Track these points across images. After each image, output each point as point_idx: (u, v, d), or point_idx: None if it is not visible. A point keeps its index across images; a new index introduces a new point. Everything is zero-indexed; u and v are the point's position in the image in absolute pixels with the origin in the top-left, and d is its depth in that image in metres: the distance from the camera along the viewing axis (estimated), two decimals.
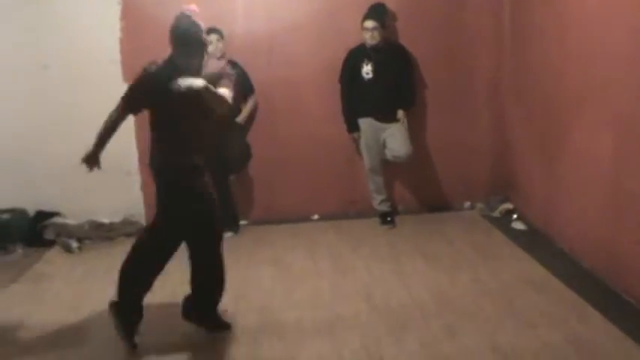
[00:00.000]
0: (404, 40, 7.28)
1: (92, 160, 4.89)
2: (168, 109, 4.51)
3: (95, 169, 4.89)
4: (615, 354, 4.27)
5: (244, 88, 7.09)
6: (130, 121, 7.26)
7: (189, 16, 4.53)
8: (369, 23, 6.92)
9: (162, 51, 7.20)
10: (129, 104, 4.75)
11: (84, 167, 4.81)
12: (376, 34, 6.92)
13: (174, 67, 4.51)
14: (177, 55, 4.56)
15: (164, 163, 4.67)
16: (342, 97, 7.21)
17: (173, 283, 5.42)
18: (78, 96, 7.16)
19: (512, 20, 7.18)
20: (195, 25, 4.52)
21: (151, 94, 4.58)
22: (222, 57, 6.71)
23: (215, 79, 4.48)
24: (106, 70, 7.17)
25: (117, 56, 7.17)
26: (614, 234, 5.10)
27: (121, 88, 7.13)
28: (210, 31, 6.88)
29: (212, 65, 4.69)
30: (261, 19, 7.26)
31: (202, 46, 4.58)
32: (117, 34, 7.14)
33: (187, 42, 4.51)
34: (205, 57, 4.63)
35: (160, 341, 4.76)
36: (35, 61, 7.11)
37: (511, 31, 7.21)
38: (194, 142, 4.65)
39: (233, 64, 6.98)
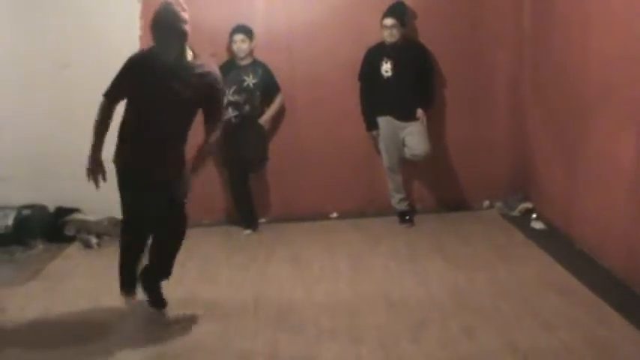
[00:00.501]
0: (423, 38, 7.27)
1: (97, 166, 4.83)
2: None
3: (101, 180, 4.83)
4: (635, 356, 4.23)
5: (268, 88, 7.10)
6: None
7: (169, 5, 4.56)
8: (388, 21, 6.92)
9: None
10: (112, 92, 4.89)
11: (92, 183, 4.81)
12: (395, 32, 6.91)
13: (154, 54, 4.63)
14: (156, 42, 4.61)
15: None
16: (361, 95, 7.22)
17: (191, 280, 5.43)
18: (98, 94, 7.14)
19: (532, 17, 7.14)
20: (174, 14, 4.54)
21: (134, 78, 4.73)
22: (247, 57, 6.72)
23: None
24: None
25: None
26: (635, 234, 5.07)
27: None
28: (236, 30, 6.90)
29: (206, 61, 4.70)
30: (281, 17, 7.26)
31: (180, 35, 4.58)
32: (137, 32, 7.15)
33: (164, 30, 4.54)
34: (186, 46, 4.66)
35: (176, 337, 4.77)
36: (56, 59, 7.13)
37: (531, 29, 7.17)
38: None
39: (259, 65, 7.00)
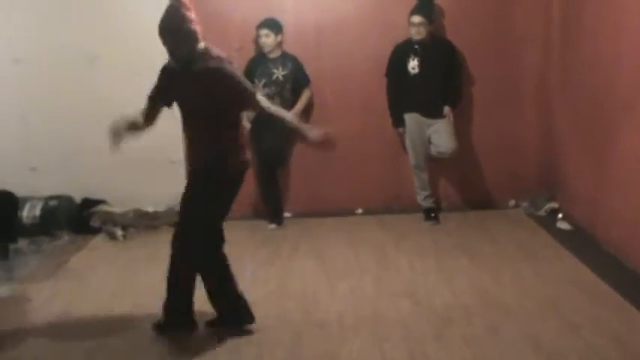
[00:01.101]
0: (451, 36, 7.25)
1: (118, 134, 4.82)
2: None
3: (115, 148, 4.79)
4: None
5: (298, 80, 7.10)
6: (175, 110, 7.36)
7: (172, 7, 4.55)
8: (416, 18, 6.90)
9: (209, 41, 7.24)
10: (151, 94, 4.88)
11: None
12: (422, 29, 6.90)
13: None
14: (166, 47, 4.60)
15: None
16: (388, 91, 7.21)
17: None
18: (124, 87, 7.21)
19: (561, 17, 7.09)
20: (179, 15, 4.51)
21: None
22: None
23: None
24: (152, 62, 7.20)
25: (163, 47, 7.19)
26: None
27: None
28: (261, 25, 6.91)
29: (216, 56, 4.60)
30: (309, 12, 7.27)
31: (187, 36, 4.51)
32: None
33: (171, 34, 4.53)
34: (197, 47, 4.56)
35: (199, 330, 4.78)
36: (83, 53, 7.18)
37: (560, 29, 7.12)
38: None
39: (289, 57, 7.01)
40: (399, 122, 7.20)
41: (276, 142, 7.02)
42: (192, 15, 4.54)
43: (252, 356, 4.40)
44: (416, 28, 6.92)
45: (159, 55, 7.14)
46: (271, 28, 6.91)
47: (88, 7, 7.18)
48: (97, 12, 7.18)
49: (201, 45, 4.55)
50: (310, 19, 7.27)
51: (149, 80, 7.17)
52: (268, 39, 6.91)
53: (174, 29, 4.51)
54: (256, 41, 7.08)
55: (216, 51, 4.61)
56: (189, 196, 4.70)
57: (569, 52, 6.90)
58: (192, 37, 4.52)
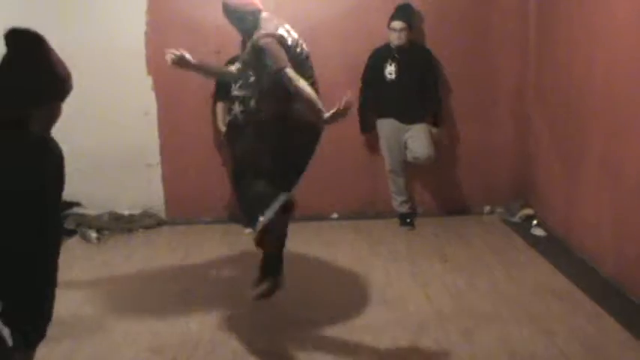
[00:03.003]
0: (428, 43, 7.28)
1: (183, 61, 5.22)
2: None
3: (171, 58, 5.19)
4: None
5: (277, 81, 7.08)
6: (153, 114, 7.36)
7: None
8: (397, 24, 6.91)
9: (186, 45, 7.21)
10: None
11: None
12: (403, 35, 6.91)
13: None
14: (234, 26, 4.91)
15: None
16: (360, 95, 7.20)
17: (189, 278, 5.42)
18: (101, 88, 7.19)
19: (537, 24, 7.14)
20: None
21: None
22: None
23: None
24: (130, 64, 7.19)
25: (142, 50, 7.19)
26: (636, 243, 5.06)
27: (145, 82, 7.25)
28: None
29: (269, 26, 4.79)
30: (288, 18, 7.24)
31: (244, 15, 4.80)
32: (142, 27, 7.16)
33: (229, 17, 4.85)
34: (257, 22, 4.81)
35: (174, 331, 4.77)
36: (59, 52, 7.11)
37: (537, 36, 7.17)
38: None
39: None
40: (366, 127, 7.22)
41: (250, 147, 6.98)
42: None
43: (228, 359, 4.41)
44: (397, 33, 6.92)
45: (134, 58, 7.21)
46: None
47: (66, 9, 7.13)
48: (75, 15, 7.15)
49: (258, 18, 4.83)
50: (289, 24, 7.25)
51: (124, 79, 7.22)
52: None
53: (230, 11, 4.83)
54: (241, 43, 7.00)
55: (271, 25, 4.79)
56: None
57: (544, 60, 6.95)
58: (248, 15, 4.81)
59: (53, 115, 2.60)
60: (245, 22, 4.83)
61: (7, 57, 2.57)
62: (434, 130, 7.13)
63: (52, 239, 2.62)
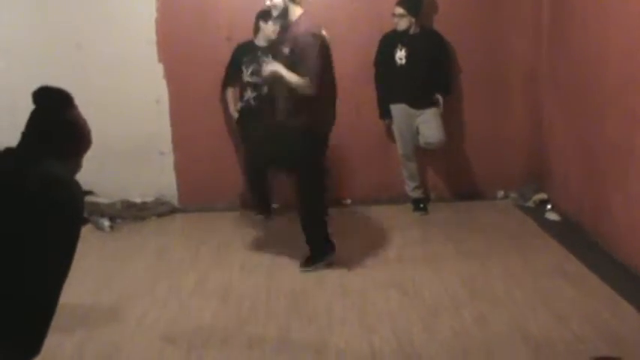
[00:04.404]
0: (440, 28, 7.22)
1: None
2: None
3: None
4: None
5: None
6: (165, 101, 7.34)
7: None
8: (396, 10, 6.92)
9: (197, 31, 7.24)
10: None
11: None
12: (404, 21, 6.89)
13: None
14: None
15: None
16: (376, 81, 7.18)
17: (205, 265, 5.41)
18: (112, 75, 7.18)
19: (550, 9, 7.09)
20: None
21: None
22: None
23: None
24: (141, 51, 7.18)
25: (153, 37, 7.17)
26: None
27: (156, 69, 7.24)
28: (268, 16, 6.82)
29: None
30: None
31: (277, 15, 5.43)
32: (153, 14, 7.14)
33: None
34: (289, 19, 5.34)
35: (188, 321, 4.77)
36: (69, 40, 7.12)
37: (550, 20, 7.12)
38: None
39: None
40: (385, 114, 7.18)
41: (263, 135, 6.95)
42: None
43: (242, 346, 4.39)
44: (397, 19, 6.92)
45: (146, 45, 7.19)
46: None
47: None
48: (85, 1, 7.13)
49: (292, 18, 5.32)
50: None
51: (136, 66, 7.21)
52: (277, 27, 6.81)
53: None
54: (255, 30, 6.93)
55: (303, 25, 5.25)
56: None
57: (558, 44, 6.90)
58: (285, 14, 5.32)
59: (75, 168, 2.78)
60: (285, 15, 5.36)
61: (34, 113, 2.72)
62: (438, 96, 7.08)
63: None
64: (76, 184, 2.60)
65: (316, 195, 5.61)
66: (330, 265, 5.68)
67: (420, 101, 7.02)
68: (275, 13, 5.44)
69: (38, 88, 2.74)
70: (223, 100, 7.15)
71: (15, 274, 2.40)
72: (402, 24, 6.91)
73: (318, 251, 5.69)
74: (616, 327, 4.44)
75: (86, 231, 6.86)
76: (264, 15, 6.76)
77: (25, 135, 2.66)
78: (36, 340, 2.53)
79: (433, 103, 7.03)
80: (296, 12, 5.31)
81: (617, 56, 5.52)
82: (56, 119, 2.70)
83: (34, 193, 2.44)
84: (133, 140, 7.25)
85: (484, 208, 7.33)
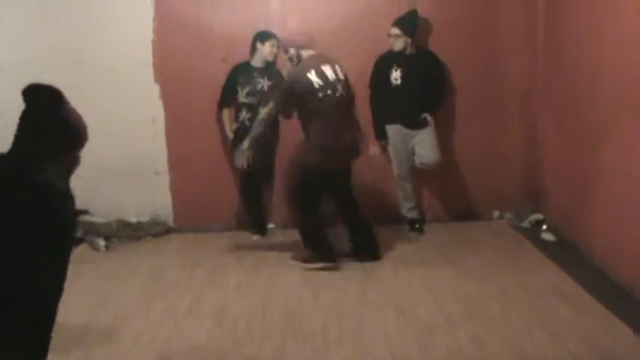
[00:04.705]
0: (435, 48, 7.25)
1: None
2: None
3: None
4: None
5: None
6: (160, 121, 7.36)
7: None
8: (392, 30, 6.95)
9: (193, 52, 7.27)
10: None
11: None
12: (400, 41, 6.92)
13: None
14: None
15: None
16: (372, 103, 7.19)
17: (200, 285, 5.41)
18: (109, 96, 7.20)
19: (545, 29, 7.13)
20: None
21: None
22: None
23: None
24: (138, 71, 7.20)
25: (149, 57, 7.20)
26: None
27: (152, 89, 7.26)
28: (269, 36, 6.85)
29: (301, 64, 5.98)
30: (295, 24, 7.23)
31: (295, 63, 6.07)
32: (149, 35, 7.16)
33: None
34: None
35: (184, 341, 4.76)
36: (66, 59, 7.12)
37: (545, 40, 7.15)
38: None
39: (273, 68, 6.97)
40: (382, 135, 7.18)
41: (259, 155, 6.95)
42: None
43: None
44: (393, 39, 6.95)
45: (142, 65, 7.21)
46: (277, 39, 6.83)
47: (75, 15, 7.12)
48: (83, 20, 7.14)
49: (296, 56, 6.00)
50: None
51: (132, 87, 7.23)
52: (275, 49, 6.85)
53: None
54: (251, 52, 6.94)
55: (303, 64, 5.94)
56: None
57: (552, 64, 6.93)
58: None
59: (72, 164, 2.75)
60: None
61: (26, 112, 2.69)
62: (427, 115, 7.06)
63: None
64: (67, 192, 2.61)
65: (299, 206, 6.19)
66: (328, 269, 6.09)
67: (416, 121, 7.03)
68: (294, 62, 5.93)
69: (27, 86, 2.72)
70: (220, 121, 7.17)
71: (10, 280, 2.40)
72: (398, 44, 6.94)
73: (314, 253, 6.25)
74: (611, 347, 4.43)
75: (82, 250, 6.87)
76: (262, 36, 6.81)
77: (18, 136, 2.64)
78: (37, 347, 2.53)
79: (428, 124, 7.03)
80: (304, 55, 5.92)
81: (611, 76, 5.54)
82: (48, 117, 2.68)
83: (27, 201, 2.44)
84: (128, 160, 7.26)
85: (480, 229, 7.32)
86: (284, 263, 6.34)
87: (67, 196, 2.59)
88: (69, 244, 2.62)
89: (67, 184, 2.70)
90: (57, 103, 2.74)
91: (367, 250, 6.36)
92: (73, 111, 2.79)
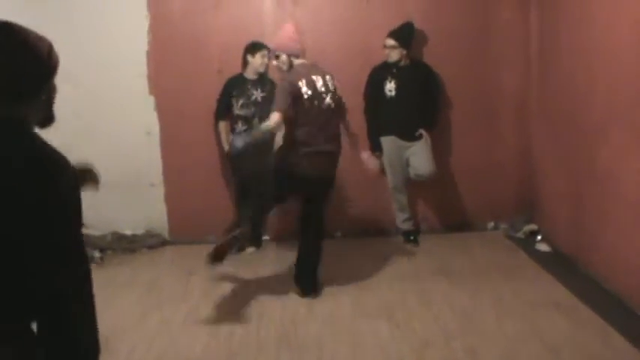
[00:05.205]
0: (430, 60, 7.26)
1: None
2: None
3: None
4: None
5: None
6: (155, 133, 7.35)
7: None
8: (387, 41, 6.97)
9: (188, 64, 7.28)
10: None
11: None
12: (395, 52, 6.93)
13: None
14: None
15: None
16: (365, 114, 7.21)
17: (196, 297, 5.40)
18: (103, 108, 7.20)
19: (539, 40, 7.14)
20: None
21: None
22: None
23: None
24: (132, 83, 7.20)
25: (144, 70, 7.20)
26: None
27: (147, 101, 7.25)
28: (261, 47, 6.85)
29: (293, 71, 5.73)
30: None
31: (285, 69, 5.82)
32: (144, 47, 7.17)
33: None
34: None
35: (179, 353, 4.75)
36: (60, 71, 7.10)
37: (538, 53, 7.17)
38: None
39: (267, 79, 6.97)
40: (376, 147, 7.17)
41: (256, 168, 6.95)
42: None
43: None
44: (388, 50, 6.97)
45: (137, 78, 7.22)
46: (269, 50, 6.83)
47: (68, 27, 7.08)
48: (76, 32, 7.12)
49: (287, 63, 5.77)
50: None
51: (127, 100, 7.23)
52: (266, 59, 6.85)
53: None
54: (243, 63, 6.95)
55: (295, 70, 5.73)
56: None
57: (546, 75, 6.94)
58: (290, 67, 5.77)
59: (49, 97, 2.40)
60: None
61: None
62: (422, 131, 7.06)
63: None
64: (59, 158, 2.27)
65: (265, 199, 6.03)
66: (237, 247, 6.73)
67: (410, 133, 7.03)
68: (285, 68, 5.76)
69: None
70: (216, 133, 7.17)
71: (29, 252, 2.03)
72: (394, 55, 6.95)
73: (243, 234, 5.93)
74: (607, 358, 4.43)
75: None
76: (252, 49, 6.82)
77: None
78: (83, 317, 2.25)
79: (423, 136, 7.04)
80: (295, 62, 5.74)
81: (604, 88, 5.55)
82: (10, 51, 2.27)
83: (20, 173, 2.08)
84: (123, 172, 7.25)
85: (475, 240, 7.33)
86: (279, 274, 6.34)
87: (60, 163, 2.25)
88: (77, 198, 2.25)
89: (51, 117, 2.39)
90: (11, 34, 2.32)
91: (304, 283, 5.94)
92: (32, 35, 2.42)
